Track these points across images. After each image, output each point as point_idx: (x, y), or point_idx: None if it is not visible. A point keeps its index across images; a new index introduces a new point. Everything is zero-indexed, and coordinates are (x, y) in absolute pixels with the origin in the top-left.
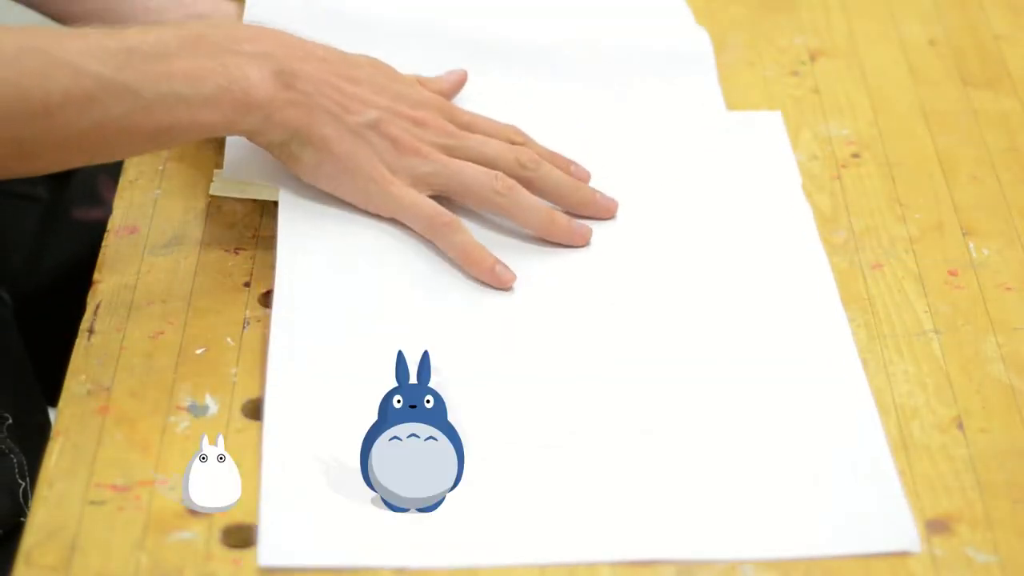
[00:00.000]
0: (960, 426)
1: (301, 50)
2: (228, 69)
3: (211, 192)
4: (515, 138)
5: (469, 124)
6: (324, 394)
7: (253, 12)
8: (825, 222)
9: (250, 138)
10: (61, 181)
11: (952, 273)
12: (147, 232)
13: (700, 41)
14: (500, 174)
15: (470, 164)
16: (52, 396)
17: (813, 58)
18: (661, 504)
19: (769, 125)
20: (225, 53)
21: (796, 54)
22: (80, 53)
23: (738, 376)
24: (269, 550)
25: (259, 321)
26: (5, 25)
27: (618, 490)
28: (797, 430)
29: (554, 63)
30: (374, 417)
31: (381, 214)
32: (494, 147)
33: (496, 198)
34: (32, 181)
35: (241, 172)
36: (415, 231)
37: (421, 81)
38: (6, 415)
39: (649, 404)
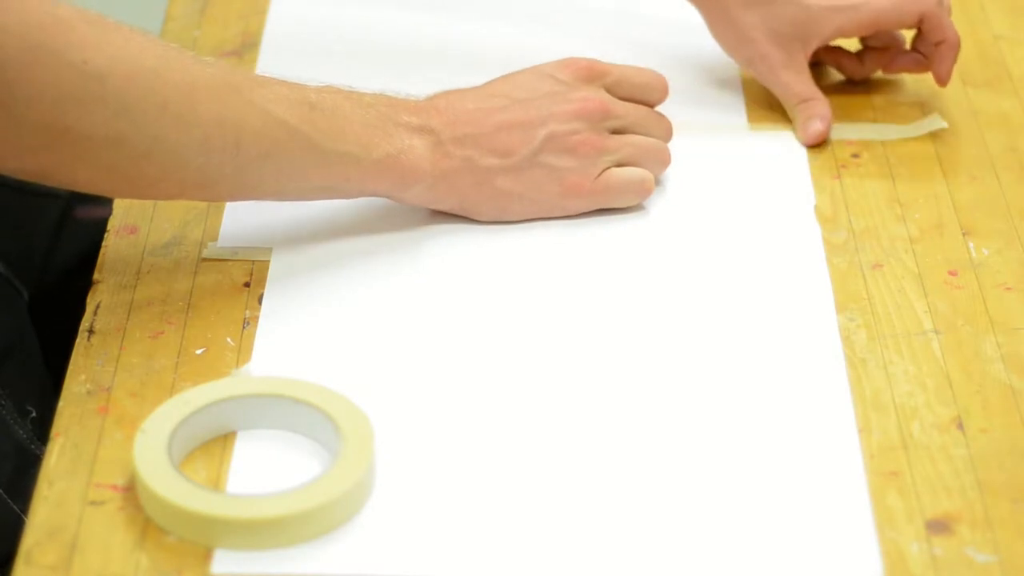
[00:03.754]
0: (960, 426)
1: (453, 112)
2: (393, 138)
3: (204, 256)
4: (662, 96)
5: (616, 82)
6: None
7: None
8: (825, 222)
9: (424, 205)
10: None
11: (952, 273)
12: (147, 232)
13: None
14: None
15: (634, 139)
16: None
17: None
18: (630, 526)
19: (790, 144)
20: (389, 122)
21: None
22: (267, 99)
23: (723, 401)
24: (225, 558)
25: (259, 321)
26: (202, 59)
27: (585, 510)
28: (774, 459)
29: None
30: None
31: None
32: (651, 122)
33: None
34: None
35: (234, 241)
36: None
37: (565, 64)
38: (30, 408)
39: (628, 420)
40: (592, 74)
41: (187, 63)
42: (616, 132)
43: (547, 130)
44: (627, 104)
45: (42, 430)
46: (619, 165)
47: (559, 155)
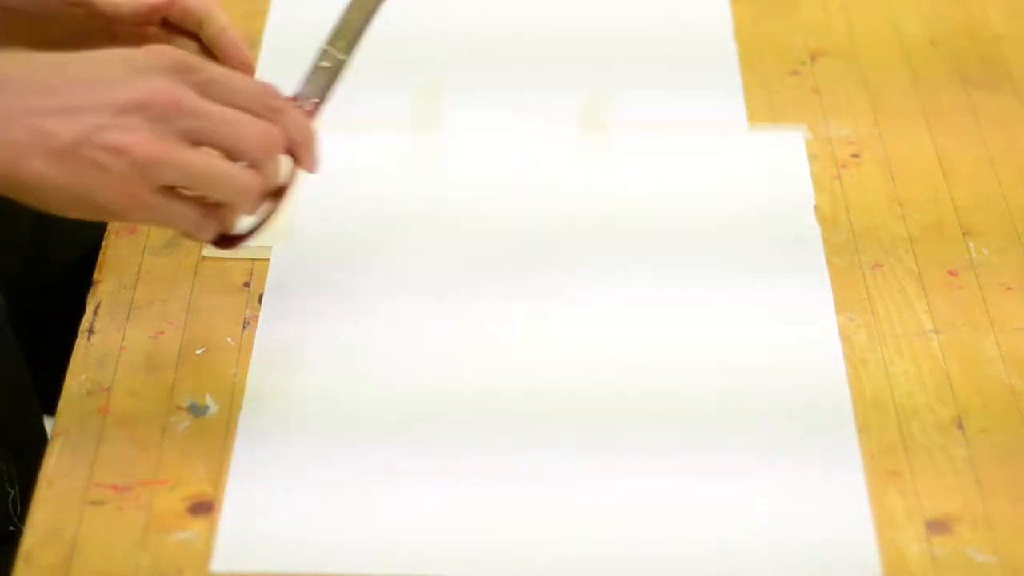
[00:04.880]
0: (960, 426)
1: None
2: None
3: (203, 256)
4: (271, 102)
5: (208, 81)
6: (297, 407)
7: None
8: (825, 222)
9: None
10: None
11: (952, 273)
12: (147, 232)
13: (727, 53)
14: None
15: (214, 161)
16: (49, 401)
17: (813, 58)
18: (630, 526)
19: (790, 144)
20: None
21: (796, 54)
22: None
23: (723, 400)
24: (223, 557)
25: (259, 321)
26: None
27: (583, 511)
28: (774, 458)
29: (577, 63)
30: (344, 434)
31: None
32: (244, 130)
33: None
34: None
35: None
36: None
37: (148, 49)
38: None
39: (626, 420)
40: (177, 65)
41: None
42: (198, 142)
43: (94, 120)
44: (217, 107)
45: (10, 442)
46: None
47: (107, 153)
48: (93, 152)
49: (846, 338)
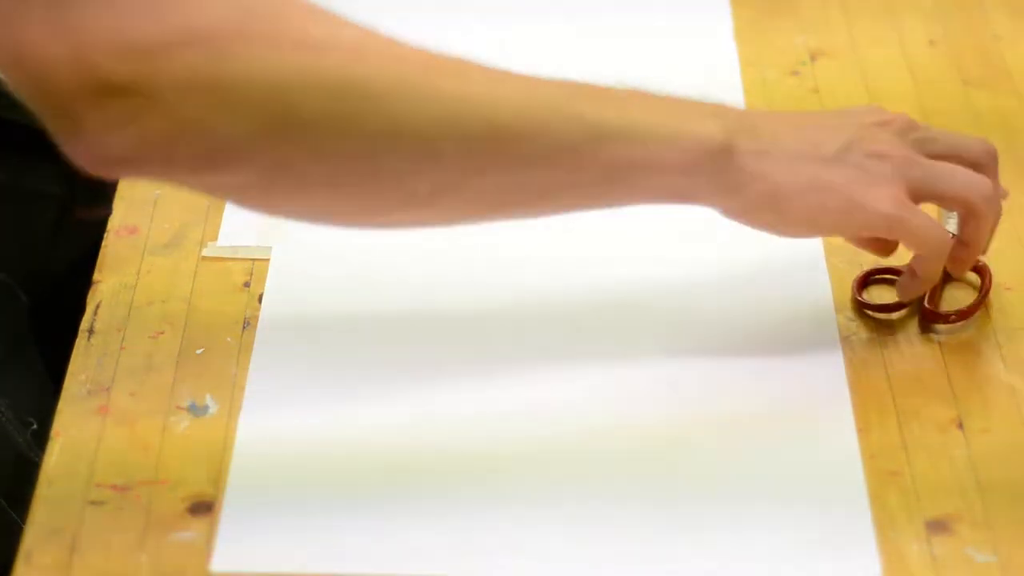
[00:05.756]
0: (960, 426)
1: (745, 112)
2: (682, 117)
3: (203, 256)
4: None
5: (929, 137)
6: (298, 407)
7: None
8: None
9: (720, 201)
10: (72, 179)
11: None
12: (147, 232)
13: (727, 53)
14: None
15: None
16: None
17: (813, 58)
18: (629, 527)
19: None
20: (675, 103)
21: (796, 54)
22: (519, 79)
23: (723, 401)
24: (223, 557)
25: (259, 321)
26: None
27: (585, 510)
28: (774, 459)
29: (575, 63)
30: (345, 434)
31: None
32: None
33: (988, 207)
34: (45, 178)
35: (234, 241)
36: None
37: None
38: (31, 420)
39: (626, 419)
40: (903, 125)
41: (409, 45)
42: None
43: (852, 133)
44: (939, 129)
45: (42, 439)
46: (932, 196)
47: (869, 158)
48: (858, 157)
49: (846, 338)
